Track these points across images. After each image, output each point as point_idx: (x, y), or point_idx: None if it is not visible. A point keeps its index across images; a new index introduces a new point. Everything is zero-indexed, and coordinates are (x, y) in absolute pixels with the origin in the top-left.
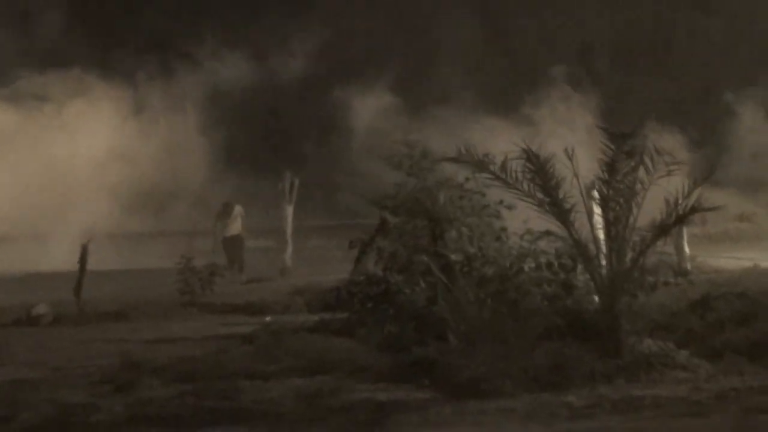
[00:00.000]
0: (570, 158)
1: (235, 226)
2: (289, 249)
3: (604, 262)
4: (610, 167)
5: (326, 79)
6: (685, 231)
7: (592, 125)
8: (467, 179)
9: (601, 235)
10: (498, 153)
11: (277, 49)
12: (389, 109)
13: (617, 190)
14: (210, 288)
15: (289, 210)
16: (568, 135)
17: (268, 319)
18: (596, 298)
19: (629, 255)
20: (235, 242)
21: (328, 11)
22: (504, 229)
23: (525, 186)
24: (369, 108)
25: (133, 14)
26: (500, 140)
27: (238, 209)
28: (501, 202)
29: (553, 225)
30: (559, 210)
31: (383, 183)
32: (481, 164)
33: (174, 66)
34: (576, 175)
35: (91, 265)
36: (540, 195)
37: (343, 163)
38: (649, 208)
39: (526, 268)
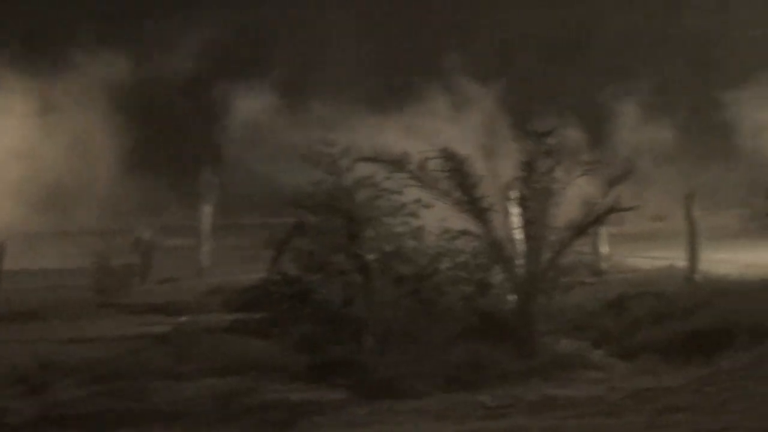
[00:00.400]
0: (486, 158)
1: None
2: (206, 248)
3: (520, 262)
4: (528, 167)
5: (210, 77)
6: (602, 231)
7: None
8: (385, 178)
9: (519, 234)
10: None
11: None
12: (272, 107)
13: (535, 190)
14: (126, 289)
15: (207, 209)
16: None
17: (183, 319)
18: (512, 298)
19: (546, 255)
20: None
21: (212, 7)
22: (421, 229)
23: (443, 185)
24: (252, 106)
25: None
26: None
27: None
28: (418, 201)
29: (471, 224)
30: (476, 209)
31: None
32: (399, 163)
33: (76, 61)
34: (494, 175)
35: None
36: (457, 194)
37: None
38: (567, 208)
39: (442, 267)
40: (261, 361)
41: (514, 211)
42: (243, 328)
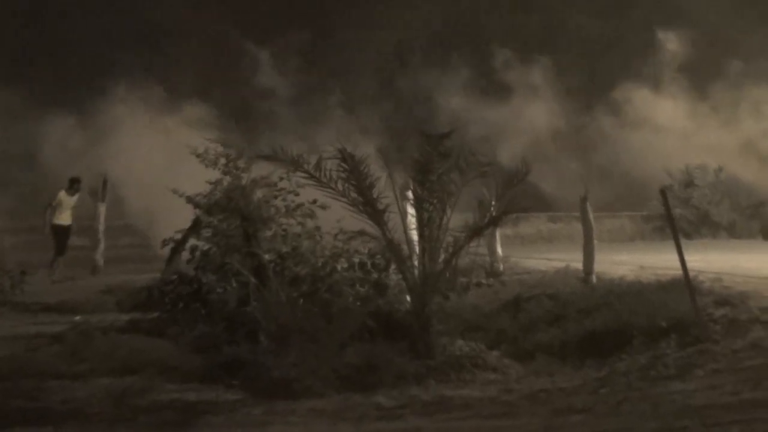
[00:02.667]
0: (385, 160)
1: (67, 215)
2: (101, 247)
3: (417, 263)
4: (425, 168)
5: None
6: (498, 232)
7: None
8: (281, 179)
9: (415, 235)
10: None
11: None
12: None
13: (431, 191)
14: (20, 288)
15: (102, 208)
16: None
17: (77, 318)
18: (408, 299)
19: (442, 256)
20: (67, 232)
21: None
22: (318, 229)
23: (339, 185)
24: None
25: None
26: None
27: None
28: (314, 201)
29: (367, 225)
30: (372, 210)
31: None
32: (295, 163)
33: None
34: (390, 176)
35: None
36: (354, 195)
37: None
38: (464, 208)
39: (339, 267)
40: (156, 361)
41: (411, 212)
42: (138, 327)
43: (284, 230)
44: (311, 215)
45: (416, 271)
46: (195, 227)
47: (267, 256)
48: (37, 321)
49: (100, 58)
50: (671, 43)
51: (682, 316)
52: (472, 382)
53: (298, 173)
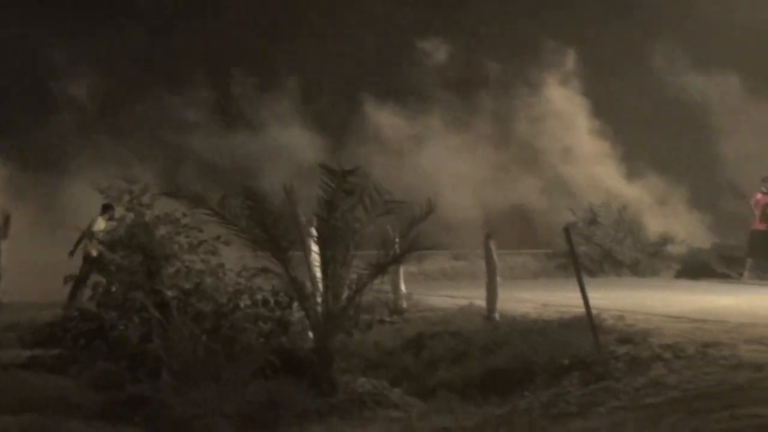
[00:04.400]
0: (289, 195)
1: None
2: (3, 284)
3: (320, 300)
4: (329, 205)
5: None
6: (402, 269)
7: None
8: (184, 215)
9: (319, 273)
10: None
11: None
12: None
13: (335, 228)
14: None
15: (3, 244)
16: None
17: None
18: (312, 336)
19: (345, 293)
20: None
21: None
22: (221, 266)
23: (243, 222)
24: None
25: None
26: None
27: None
28: (218, 237)
29: (271, 262)
30: (276, 247)
31: None
32: (199, 200)
33: None
34: (295, 212)
35: None
36: (258, 231)
37: None
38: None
39: (242, 304)
40: (57, 398)
41: (315, 249)
42: (40, 364)
43: (187, 267)
44: (214, 252)
45: (319, 309)
46: (97, 263)
47: (170, 293)
48: None
49: None
50: (436, 53)
51: (585, 354)
52: (374, 420)
53: (202, 210)
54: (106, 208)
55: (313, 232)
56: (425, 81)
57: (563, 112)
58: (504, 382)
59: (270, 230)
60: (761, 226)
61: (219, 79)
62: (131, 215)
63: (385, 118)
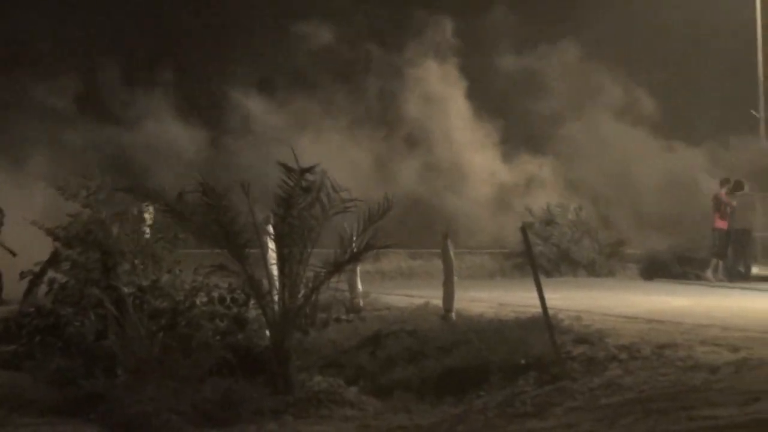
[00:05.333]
0: (246, 193)
1: None
2: None
3: (277, 298)
4: (286, 202)
5: None
6: (359, 267)
7: None
8: (140, 212)
9: (275, 270)
10: None
11: None
12: None
13: (292, 226)
14: None
15: None
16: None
17: None
18: (268, 334)
19: (302, 291)
20: None
21: None
22: (178, 262)
23: (199, 219)
24: None
25: None
26: None
27: None
28: (175, 235)
29: (227, 259)
30: (233, 244)
31: None
32: (155, 196)
33: None
34: (252, 210)
35: None
36: (214, 228)
37: None
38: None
39: (198, 302)
40: (11, 395)
41: (272, 246)
42: None
43: (144, 264)
44: (171, 248)
45: (276, 307)
46: (53, 260)
47: (126, 290)
48: None
49: None
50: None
51: (541, 354)
52: (330, 418)
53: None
54: None
55: (270, 229)
56: (304, 66)
57: (441, 92)
58: (460, 381)
59: (227, 227)
60: (723, 225)
61: (86, 69)
62: (87, 211)
63: (259, 106)
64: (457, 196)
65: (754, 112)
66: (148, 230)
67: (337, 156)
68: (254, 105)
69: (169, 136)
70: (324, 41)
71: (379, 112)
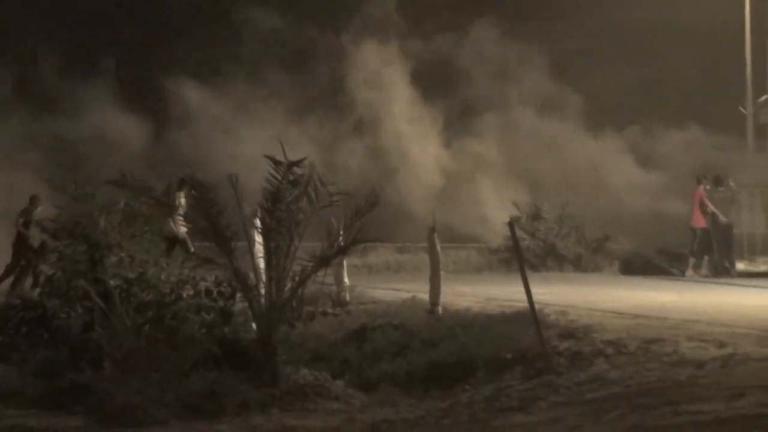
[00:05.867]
0: (234, 186)
1: None
2: None
3: (263, 291)
4: (274, 196)
5: None
6: (345, 261)
7: None
8: (127, 204)
9: (262, 263)
10: None
11: None
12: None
13: (279, 220)
14: None
15: None
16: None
17: None
18: (254, 327)
19: (289, 285)
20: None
21: None
22: (165, 255)
23: (187, 212)
24: None
25: None
26: None
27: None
28: (163, 228)
29: (214, 252)
30: (220, 237)
31: None
32: (143, 189)
33: None
34: (239, 203)
35: None
36: (202, 222)
37: None
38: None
39: (185, 295)
40: None
41: (259, 239)
42: None
43: (131, 256)
44: (157, 242)
45: (263, 300)
46: (41, 251)
47: (113, 282)
48: None
49: None
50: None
51: (527, 349)
52: (316, 412)
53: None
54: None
55: (258, 223)
56: (247, 52)
57: (383, 75)
58: (446, 375)
59: (214, 220)
60: (703, 224)
61: (24, 58)
62: (75, 204)
63: (201, 94)
64: (402, 183)
65: (742, 109)
66: (181, 217)
67: (279, 143)
68: (196, 94)
69: (112, 126)
70: (268, 25)
71: (326, 97)
